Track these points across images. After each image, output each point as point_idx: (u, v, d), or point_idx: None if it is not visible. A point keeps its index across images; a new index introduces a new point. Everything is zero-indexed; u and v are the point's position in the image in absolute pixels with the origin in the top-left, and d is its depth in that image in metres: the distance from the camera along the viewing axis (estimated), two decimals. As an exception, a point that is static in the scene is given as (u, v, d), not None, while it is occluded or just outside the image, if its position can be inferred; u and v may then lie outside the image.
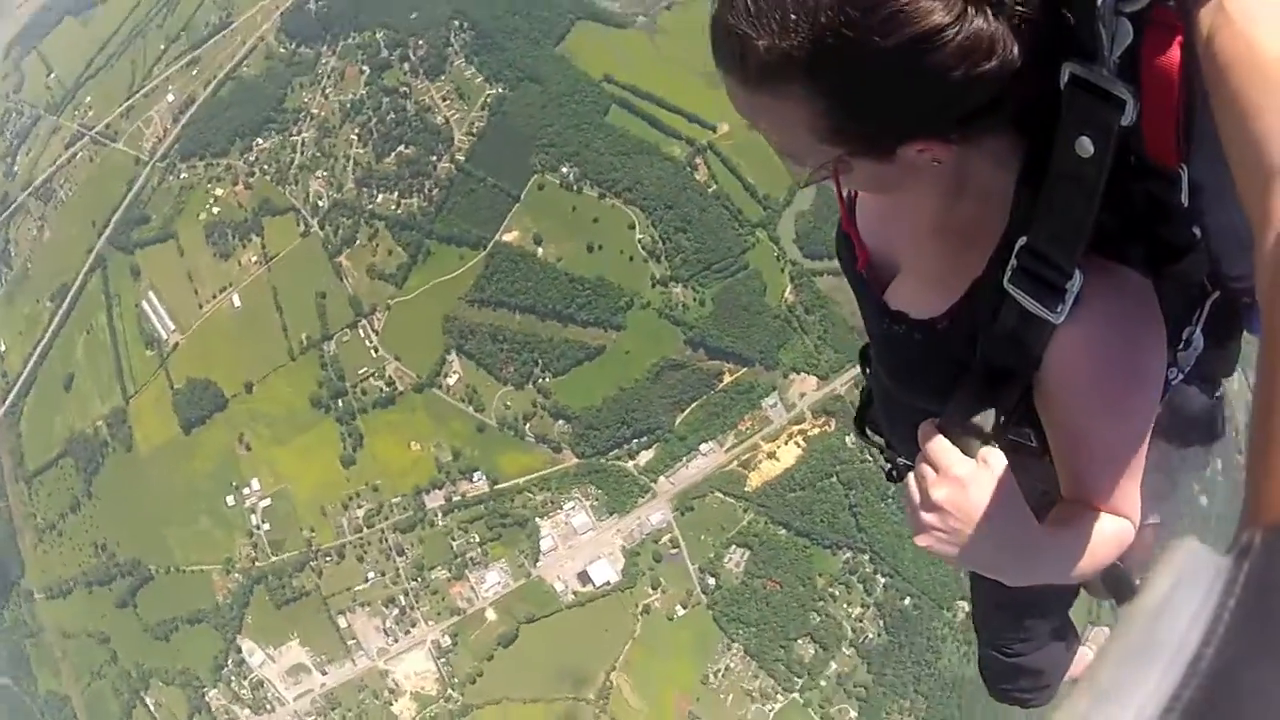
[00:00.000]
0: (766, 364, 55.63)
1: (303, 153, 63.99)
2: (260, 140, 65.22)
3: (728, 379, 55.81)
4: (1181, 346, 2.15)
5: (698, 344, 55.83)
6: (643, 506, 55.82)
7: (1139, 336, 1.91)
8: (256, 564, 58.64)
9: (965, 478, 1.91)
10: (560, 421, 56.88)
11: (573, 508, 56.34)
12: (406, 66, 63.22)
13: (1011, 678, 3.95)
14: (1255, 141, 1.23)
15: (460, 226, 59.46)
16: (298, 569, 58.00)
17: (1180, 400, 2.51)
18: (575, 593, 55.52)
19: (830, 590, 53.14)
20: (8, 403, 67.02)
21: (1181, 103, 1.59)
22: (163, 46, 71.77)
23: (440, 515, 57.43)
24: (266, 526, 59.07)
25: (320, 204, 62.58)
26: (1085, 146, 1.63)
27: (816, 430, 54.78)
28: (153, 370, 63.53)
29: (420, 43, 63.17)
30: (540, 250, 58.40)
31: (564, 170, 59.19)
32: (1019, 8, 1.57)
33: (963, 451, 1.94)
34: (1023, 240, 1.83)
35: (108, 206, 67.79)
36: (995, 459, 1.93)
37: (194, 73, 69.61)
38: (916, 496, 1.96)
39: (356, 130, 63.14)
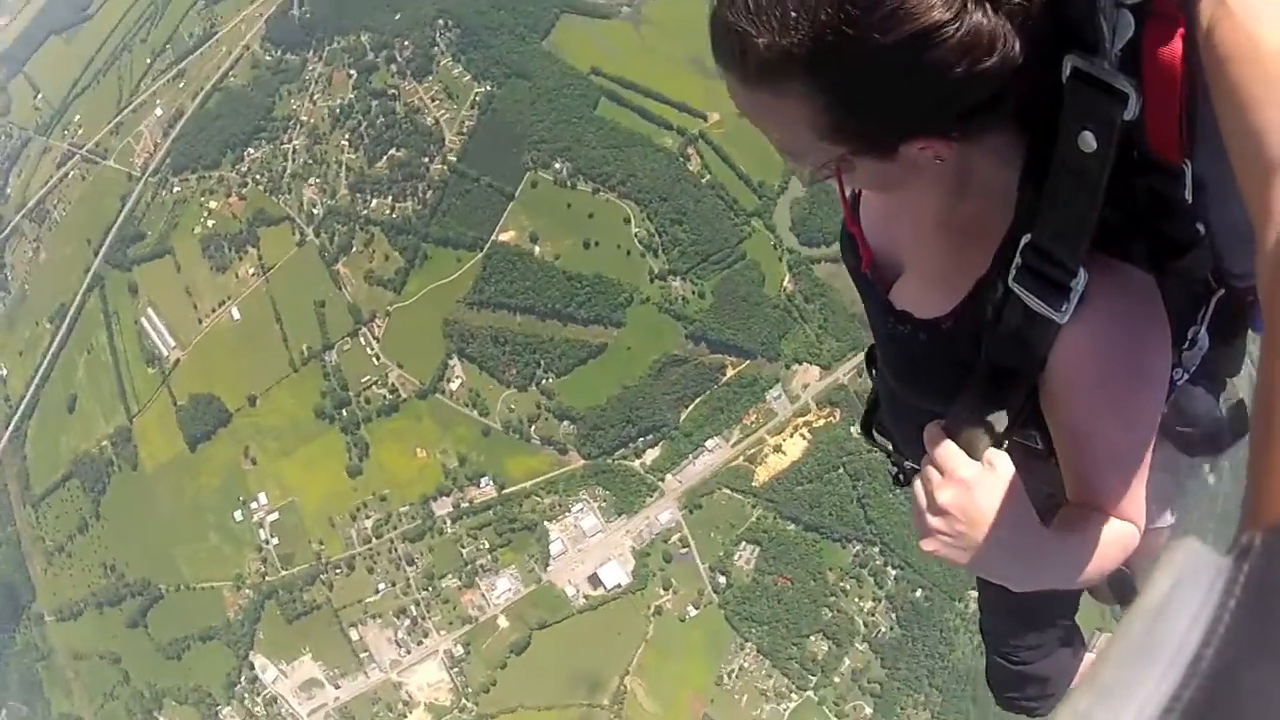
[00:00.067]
0: (769, 356, 55.21)
1: (294, 160, 63.93)
2: (251, 150, 65.20)
3: (730, 373, 55.45)
4: (1186, 346, 2.10)
5: (699, 338, 55.46)
6: (651, 506, 55.44)
7: (1144, 336, 1.88)
8: (266, 579, 58.56)
9: (970, 480, 1.87)
10: (565, 422, 56.58)
11: (581, 510, 56.02)
12: (393, 68, 63.06)
13: (1018, 685, 3.85)
14: (1255, 134, 1.25)
15: (456, 229, 59.24)
16: (308, 582, 57.85)
17: (1185, 402, 2.46)
18: (586, 596, 55.22)
19: (841, 585, 52.79)
20: (11, 427, 67.11)
21: (1184, 96, 1.57)
22: (148, 60, 71.84)
23: (449, 522, 57.26)
24: (275, 540, 58.94)
25: (315, 212, 62.44)
26: (1088, 141, 1.61)
27: (822, 421, 54.44)
28: (155, 388, 63.57)
29: (406, 44, 62.96)
30: (537, 249, 58.11)
31: (557, 166, 58.89)
32: (1019, 3, 1.55)
33: (968, 454, 1.91)
34: (1027, 238, 1.80)
35: (102, 225, 67.89)
36: (1001, 461, 1.90)
37: (181, 85, 69.54)
38: (922, 500, 1.92)
39: (347, 135, 62.98)
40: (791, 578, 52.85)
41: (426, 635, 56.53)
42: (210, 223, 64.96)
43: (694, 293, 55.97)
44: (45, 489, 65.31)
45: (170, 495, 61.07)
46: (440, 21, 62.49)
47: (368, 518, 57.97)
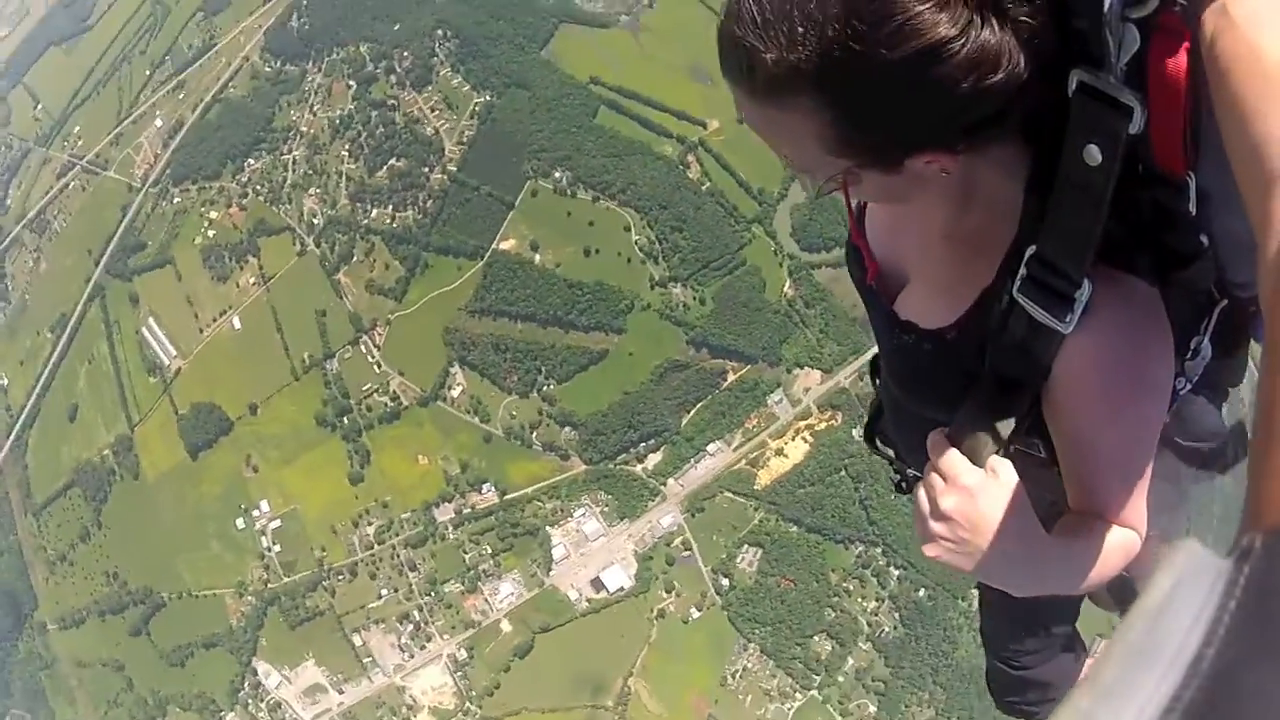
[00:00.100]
0: (769, 360, 55.50)
1: (294, 171, 63.99)
2: (251, 161, 65.25)
3: (732, 377, 55.70)
4: (1189, 356, 2.14)
5: (700, 343, 55.72)
6: (653, 510, 55.67)
7: (1147, 346, 1.90)
8: (269, 586, 58.64)
9: (974, 487, 1.91)
10: (567, 428, 56.76)
11: (583, 514, 56.22)
12: (393, 79, 63.18)
13: (1019, 690, 3.94)
14: (1257, 145, 1.24)
15: (456, 237, 59.37)
16: (310, 589, 57.97)
17: (1188, 412, 2.52)
18: (589, 600, 55.41)
19: (844, 585, 53.04)
20: (13, 436, 67.02)
21: (1189, 109, 1.57)
22: (148, 72, 71.79)
23: (451, 528, 57.39)
24: (277, 548, 59.03)
25: (315, 222, 62.49)
26: (1093, 154, 1.62)
27: (823, 425, 54.72)
28: (156, 397, 63.53)
29: (405, 54, 63.09)
30: (537, 257, 58.28)
31: (557, 175, 59.10)
32: (1025, 19, 1.55)
33: (971, 461, 1.94)
34: (1031, 249, 1.83)
35: (103, 235, 67.88)
36: (1004, 469, 1.93)
37: (181, 96, 69.62)
38: (925, 506, 1.96)
39: (347, 145, 63.06)
40: (794, 579, 53.05)
41: (430, 640, 56.67)
42: (211, 233, 65.02)
43: (695, 299, 56.20)
44: (47, 498, 65.26)
45: (172, 503, 61.06)
46: (439, 32, 62.63)
47: (370, 524, 58.08)
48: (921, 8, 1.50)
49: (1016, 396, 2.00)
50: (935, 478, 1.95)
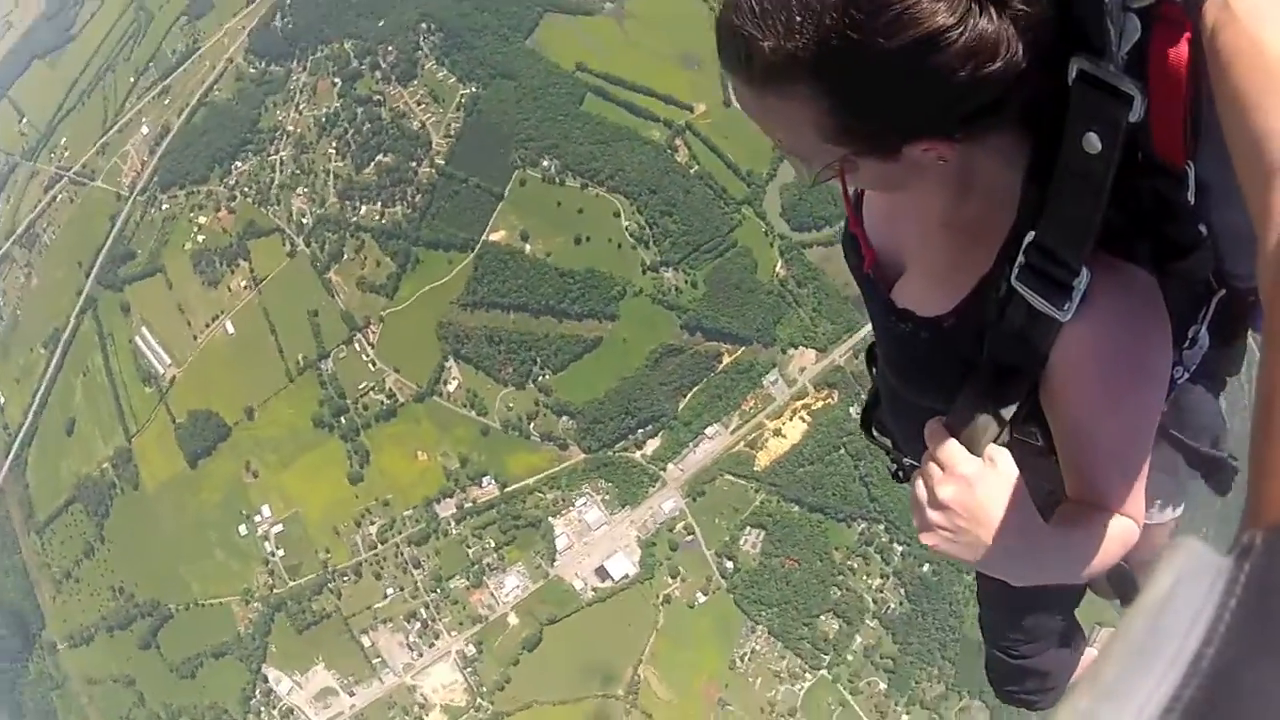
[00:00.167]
0: (764, 341, 55.30)
1: (282, 171, 63.83)
2: (239, 163, 65.14)
3: (727, 360, 55.49)
4: (1187, 345, 2.12)
5: (694, 327, 55.47)
6: (654, 496, 55.48)
7: (1145, 334, 1.90)
8: (275, 591, 58.46)
9: (972, 476, 1.90)
10: (564, 418, 56.59)
11: (584, 504, 56.07)
12: (378, 74, 62.97)
13: (1018, 679, 3.90)
14: (1257, 138, 1.25)
15: (446, 231, 59.18)
16: (316, 592, 57.82)
17: (1186, 401, 2.48)
18: (595, 589, 55.23)
19: (849, 563, 52.93)
20: (11, 454, 66.84)
21: (1189, 99, 1.58)
22: (132, 79, 71.70)
23: (453, 524, 57.27)
24: (281, 552, 58.87)
25: (304, 221, 62.34)
26: (1093, 142, 1.62)
27: (820, 403, 54.55)
28: (153, 406, 63.41)
29: (389, 49, 62.87)
30: (528, 247, 58.07)
31: (545, 164, 58.89)
32: (1023, 7, 1.55)
33: (969, 450, 1.93)
34: (1030, 237, 1.81)
35: (92, 246, 67.74)
36: (1002, 458, 1.93)
37: (166, 102, 69.46)
38: (923, 495, 1.95)
39: (334, 143, 62.90)
40: (798, 559, 52.95)
41: (438, 637, 56.51)
42: (200, 238, 64.85)
43: (687, 282, 56.02)
44: (49, 515, 65.01)
45: (173, 513, 60.92)
46: (423, 25, 62.39)
47: (372, 524, 57.90)
48: None
49: (1014, 385, 1.99)
50: (933, 467, 1.94)
